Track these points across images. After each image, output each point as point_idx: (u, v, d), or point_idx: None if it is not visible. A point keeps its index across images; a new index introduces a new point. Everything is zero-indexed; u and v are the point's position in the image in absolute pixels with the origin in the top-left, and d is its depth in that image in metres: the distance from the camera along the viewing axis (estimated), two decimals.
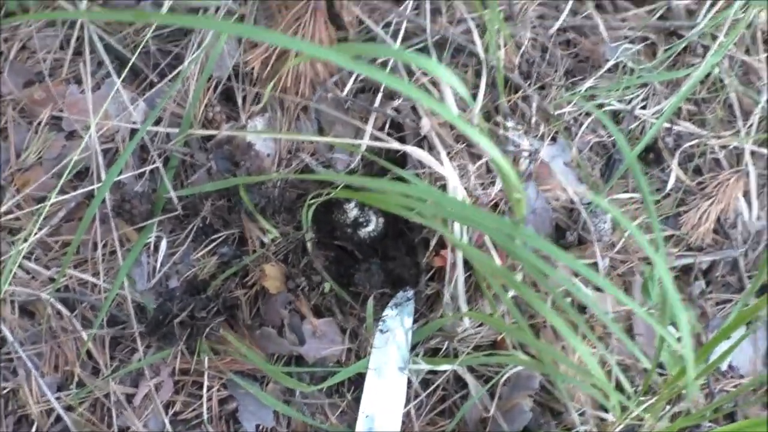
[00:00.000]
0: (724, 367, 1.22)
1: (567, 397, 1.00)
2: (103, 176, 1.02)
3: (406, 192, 0.90)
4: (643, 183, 0.89)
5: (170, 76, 1.08)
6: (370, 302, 1.00)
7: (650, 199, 0.94)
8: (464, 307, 1.00)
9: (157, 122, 1.05)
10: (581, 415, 1.04)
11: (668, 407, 1.09)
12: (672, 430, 1.00)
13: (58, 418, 0.95)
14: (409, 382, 1.03)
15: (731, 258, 1.24)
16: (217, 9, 1.11)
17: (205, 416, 0.97)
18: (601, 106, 1.23)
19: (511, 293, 0.99)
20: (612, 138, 1.24)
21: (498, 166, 0.77)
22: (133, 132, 1.05)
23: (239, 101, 1.08)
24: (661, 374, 1.12)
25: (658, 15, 1.29)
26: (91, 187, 1.01)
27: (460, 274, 0.99)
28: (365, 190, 0.96)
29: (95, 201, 0.95)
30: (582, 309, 1.13)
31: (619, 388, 0.98)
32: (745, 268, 1.25)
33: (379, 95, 1.09)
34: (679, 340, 1.06)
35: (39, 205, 1.01)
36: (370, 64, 0.82)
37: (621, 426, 1.02)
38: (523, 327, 0.94)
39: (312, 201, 0.99)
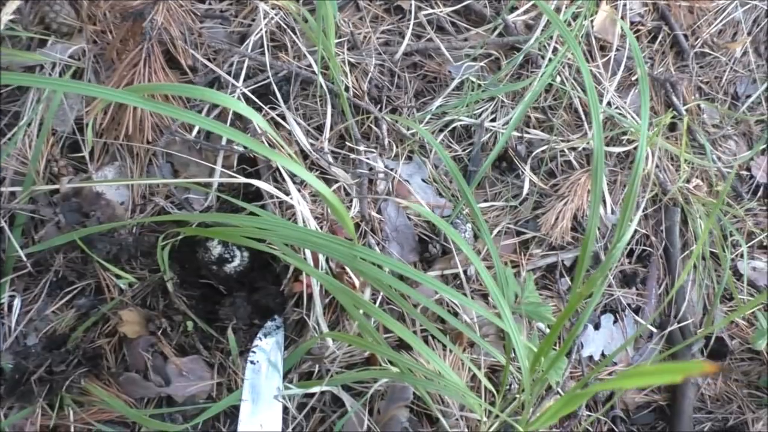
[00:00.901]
0: (597, 356, 1.36)
1: (431, 404, 1.11)
2: None
3: (254, 224, 1.02)
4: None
5: (9, 135, 1.16)
6: (230, 333, 1.09)
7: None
8: (325, 328, 1.10)
9: (0, 182, 1.12)
10: (455, 419, 1.15)
11: (542, 401, 1.23)
12: (547, 420, 1.12)
13: None
14: (286, 409, 1.12)
15: (592, 252, 1.41)
16: (54, 65, 1.20)
17: None
18: (451, 122, 1.38)
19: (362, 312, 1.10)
20: (466, 151, 1.39)
21: (321, 194, 0.88)
22: None
23: (85, 153, 1.17)
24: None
25: (497, 32, 1.47)
26: None
27: (316, 297, 1.10)
28: (219, 226, 1.07)
29: None
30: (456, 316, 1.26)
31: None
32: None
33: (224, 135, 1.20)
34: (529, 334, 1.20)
35: None
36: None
37: (494, 425, 1.14)
38: (380, 341, 1.06)
39: (165, 242, 1.08)
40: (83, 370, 1.04)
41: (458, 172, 1.11)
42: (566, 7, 1.50)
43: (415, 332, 1.21)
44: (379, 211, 1.26)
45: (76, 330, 1.07)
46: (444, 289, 1.02)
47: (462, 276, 1.26)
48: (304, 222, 1.12)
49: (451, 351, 1.21)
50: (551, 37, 1.48)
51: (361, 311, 1.07)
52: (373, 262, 1.00)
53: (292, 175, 1.16)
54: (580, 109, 1.48)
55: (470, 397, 1.03)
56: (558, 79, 1.48)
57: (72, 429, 1.04)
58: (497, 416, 1.13)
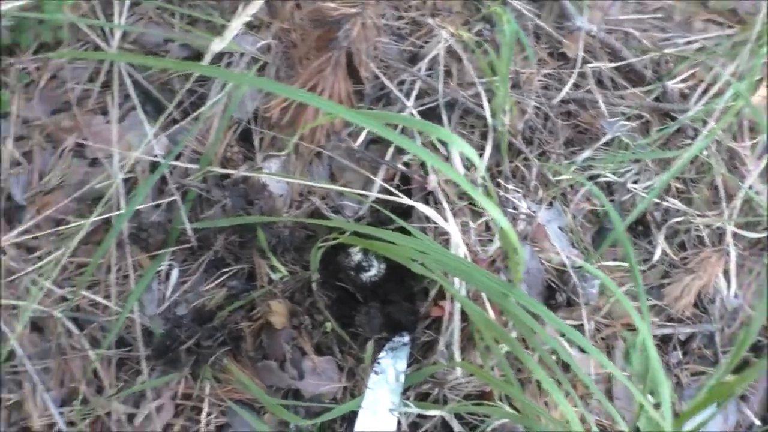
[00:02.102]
0: None
1: None
2: (122, 204, 1.19)
3: (412, 245, 1.10)
4: (631, 253, 1.10)
5: (193, 115, 1.27)
6: (371, 345, 1.18)
7: (637, 269, 1.14)
8: (458, 357, 1.18)
9: (177, 157, 1.23)
10: None
11: None
12: None
13: None
14: (399, 423, 1.20)
15: (708, 332, 1.46)
16: (242, 55, 1.31)
17: None
18: (596, 176, 1.45)
19: (503, 348, 1.18)
20: (605, 207, 1.45)
21: (501, 228, 0.97)
22: (153, 164, 1.23)
23: (256, 143, 1.27)
24: None
25: (653, 96, 1.53)
26: (109, 214, 1.18)
27: (456, 325, 1.18)
28: (372, 238, 1.16)
29: (115, 227, 1.12)
30: (565, 368, 1.33)
31: None
32: (720, 342, 1.46)
33: (391, 149, 1.30)
34: (657, 407, 1.27)
35: (57, 228, 1.18)
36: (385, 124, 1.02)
37: None
38: (512, 381, 1.13)
39: (322, 245, 1.17)
40: (226, 349, 1.15)
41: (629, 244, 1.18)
42: (724, 83, 1.56)
43: (530, 380, 1.28)
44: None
45: (223, 309, 1.17)
46: (574, 335, 1.09)
47: (586, 328, 1.32)
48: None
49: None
50: (706, 112, 1.54)
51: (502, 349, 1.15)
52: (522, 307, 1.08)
53: (449, 202, 1.25)
54: (721, 187, 1.53)
55: None
56: (704, 153, 1.53)
57: (206, 401, 1.14)
58: None
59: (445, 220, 1.20)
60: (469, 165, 1.36)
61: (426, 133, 1.32)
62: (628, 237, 1.47)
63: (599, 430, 1.31)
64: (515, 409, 1.25)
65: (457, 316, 1.18)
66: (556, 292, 1.35)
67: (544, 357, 1.13)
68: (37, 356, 1.13)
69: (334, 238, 1.18)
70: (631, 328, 1.42)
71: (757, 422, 1.45)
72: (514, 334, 1.19)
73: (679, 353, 1.45)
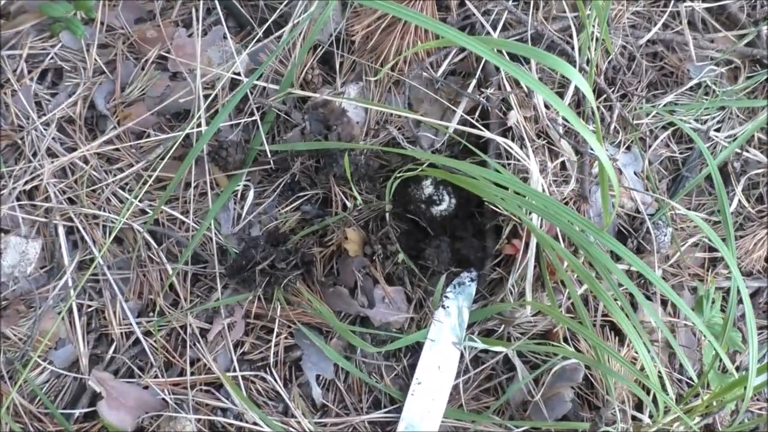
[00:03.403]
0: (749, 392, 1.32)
1: (611, 393, 1.10)
2: (203, 120, 1.10)
3: (493, 179, 1.00)
4: (724, 196, 0.99)
5: (276, 35, 1.16)
6: (442, 279, 1.10)
7: (729, 215, 1.03)
8: (529, 296, 1.10)
9: (258, 77, 1.13)
10: (621, 412, 1.14)
11: (698, 419, 1.20)
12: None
13: (136, 341, 1.06)
14: (462, 357, 1.13)
15: None
16: None
17: (271, 360, 1.08)
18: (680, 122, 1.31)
19: (578, 290, 1.09)
20: (683, 155, 1.32)
21: (599, 162, 0.86)
22: (234, 82, 1.14)
23: (337, 67, 1.17)
24: (689, 385, 1.22)
25: (746, 41, 1.36)
26: (190, 130, 1.09)
27: (530, 262, 1.08)
28: (450, 170, 1.06)
29: (197, 145, 1.04)
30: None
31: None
32: None
33: (473, 81, 1.18)
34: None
35: (138, 141, 1.11)
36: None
37: (654, 429, 1.13)
38: (585, 321, 1.04)
39: (399, 175, 1.08)
40: (298, 273, 1.08)
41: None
42: None
43: (594, 323, 1.19)
44: (588, 192, 1.23)
45: (296, 233, 1.10)
46: (656, 279, 0.99)
47: (657, 273, 1.22)
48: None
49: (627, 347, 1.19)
50: None
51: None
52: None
53: (530, 140, 1.14)
54: None
55: (660, 397, 1.02)
56: None
57: (276, 322, 1.08)
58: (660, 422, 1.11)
59: (527, 156, 1.09)
60: (549, 104, 1.24)
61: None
62: (705, 187, 1.34)
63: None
64: (578, 351, 1.17)
65: (532, 254, 1.08)
66: (627, 238, 1.25)
67: (620, 298, 1.04)
68: (116, 266, 1.08)
69: (411, 169, 1.08)
70: (700, 278, 1.31)
71: None
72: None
73: (744, 306, 1.33)
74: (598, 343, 1.03)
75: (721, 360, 1.07)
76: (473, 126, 1.12)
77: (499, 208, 1.11)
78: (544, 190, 1.11)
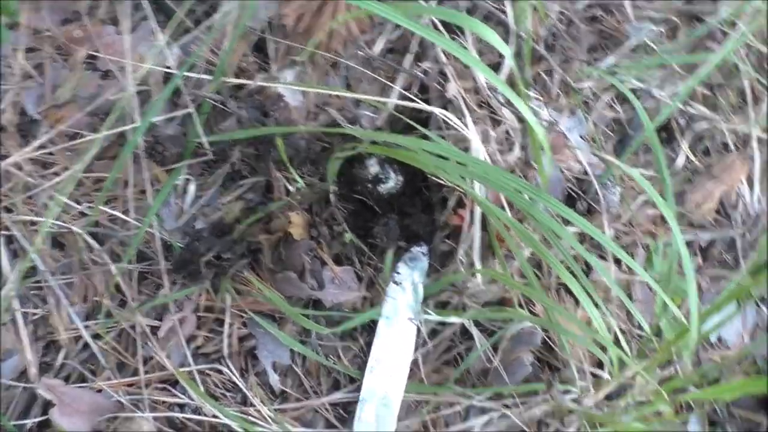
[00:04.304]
0: (713, 339, 1.28)
1: (567, 353, 1.05)
2: (137, 117, 1.04)
3: (432, 150, 0.95)
4: (660, 154, 0.94)
5: (206, 23, 1.10)
6: (390, 254, 1.04)
7: (666, 171, 0.98)
8: (478, 264, 1.04)
9: (190, 68, 1.07)
10: (579, 372, 1.09)
11: (658, 371, 1.15)
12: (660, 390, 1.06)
13: (86, 346, 1.00)
14: (418, 331, 1.08)
15: (729, 238, 1.30)
16: None
17: (225, 351, 1.02)
18: (620, 83, 1.26)
19: (526, 252, 1.04)
20: (628, 115, 1.27)
21: (528, 125, 0.81)
22: (167, 76, 1.07)
23: (271, 53, 1.11)
24: (650, 340, 1.18)
25: None
26: (124, 128, 1.03)
27: (477, 231, 1.03)
28: (391, 146, 1.00)
29: (131, 141, 0.98)
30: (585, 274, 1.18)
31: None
32: (741, 248, 1.30)
33: (409, 57, 1.12)
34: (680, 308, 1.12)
35: (72, 142, 1.04)
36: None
37: (614, 385, 1.08)
38: (533, 284, 0.99)
39: (340, 155, 1.02)
40: (246, 262, 1.02)
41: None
42: None
43: (550, 287, 1.14)
44: (534, 159, 1.17)
45: (241, 223, 1.04)
46: (602, 238, 0.94)
47: (608, 233, 1.17)
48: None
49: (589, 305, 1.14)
50: (737, 14, 1.32)
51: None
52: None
53: (469, 110, 1.08)
54: (748, 92, 1.33)
55: (613, 352, 0.97)
56: (733, 56, 1.32)
57: (228, 313, 1.03)
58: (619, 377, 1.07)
59: (466, 126, 1.04)
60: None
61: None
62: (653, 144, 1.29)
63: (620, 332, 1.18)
64: (534, 315, 1.12)
65: (477, 223, 1.03)
66: (577, 200, 1.20)
67: (568, 260, 0.99)
68: (59, 271, 1.02)
69: (352, 148, 1.03)
70: (653, 235, 1.27)
71: None
72: (536, 237, 1.04)
73: (700, 259, 1.29)
74: (547, 304, 0.99)
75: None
76: (413, 102, 1.07)
77: (443, 180, 1.06)
78: (487, 159, 1.06)
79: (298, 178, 1.03)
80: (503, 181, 0.91)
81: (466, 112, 1.07)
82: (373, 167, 1.11)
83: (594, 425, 1.08)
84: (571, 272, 0.95)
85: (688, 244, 1.29)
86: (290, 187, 1.05)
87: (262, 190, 1.07)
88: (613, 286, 1.03)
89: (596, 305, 1.19)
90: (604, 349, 1.04)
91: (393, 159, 1.11)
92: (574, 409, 1.06)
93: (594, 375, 1.12)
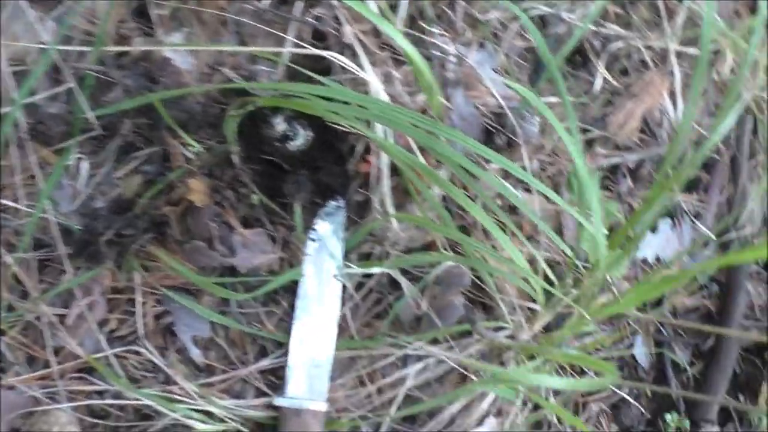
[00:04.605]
0: (651, 259, 1.26)
1: (495, 290, 1.02)
2: (17, 99, 0.97)
3: (327, 95, 0.90)
4: (560, 82, 0.90)
5: None
6: (297, 208, 1.00)
7: (568, 101, 0.94)
8: (391, 210, 1.00)
9: (68, 41, 1.00)
10: (512, 308, 1.06)
11: (598, 297, 1.13)
12: (597, 314, 1.03)
13: None
14: (344, 287, 1.04)
15: (658, 156, 1.27)
16: None
17: (141, 332, 0.98)
18: (527, 10, 1.21)
19: (439, 193, 1.00)
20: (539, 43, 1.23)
21: (411, 61, 0.77)
22: (45, 52, 1.01)
23: (154, 18, 1.04)
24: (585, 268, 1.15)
25: None
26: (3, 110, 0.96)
27: (384, 176, 0.99)
28: (289, 98, 0.95)
29: (4, 124, 0.92)
30: (513, 210, 1.15)
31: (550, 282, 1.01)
32: (670, 165, 1.27)
33: (299, 4, 1.06)
34: (611, 231, 1.09)
35: None
36: None
37: (548, 317, 1.05)
38: (449, 223, 0.96)
39: (233, 113, 0.97)
40: (150, 236, 0.97)
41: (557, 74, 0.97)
42: None
43: (475, 224, 1.10)
44: (446, 98, 1.13)
45: (143, 196, 0.99)
46: (516, 170, 0.91)
47: (528, 167, 1.13)
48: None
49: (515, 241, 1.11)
50: None
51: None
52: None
53: (366, 51, 1.03)
54: (662, 6, 1.30)
55: (536, 283, 0.94)
56: None
57: (138, 292, 0.98)
58: (559, 306, 1.04)
59: (362, 68, 0.99)
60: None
61: None
62: (567, 69, 1.25)
63: (550, 265, 1.15)
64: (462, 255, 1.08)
65: (384, 167, 0.99)
66: (495, 135, 1.15)
67: (483, 197, 0.96)
68: None
69: (245, 105, 0.97)
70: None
71: (713, 236, 1.28)
72: (443, 173, 1.00)
73: (629, 181, 1.26)
74: (465, 242, 0.95)
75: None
76: (306, 48, 1.02)
77: (346, 127, 1.01)
78: (387, 100, 1.01)
79: (194, 143, 0.98)
80: (399, 117, 0.86)
81: (362, 54, 1.01)
82: (279, 125, 1.06)
83: (532, 358, 1.05)
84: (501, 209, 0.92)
85: (616, 167, 1.26)
86: (188, 154, 0.99)
87: (159, 160, 1.01)
88: (533, 217, 0.99)
89: (530, 239, 1.16)
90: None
91: (300, 114, 1.06)
92: (509, 345, 1.03)
93: (531, 309, 1.09)
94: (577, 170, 0.95)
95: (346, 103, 0.90)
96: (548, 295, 1.03)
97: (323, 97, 0.89)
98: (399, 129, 0.91)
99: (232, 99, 1.05)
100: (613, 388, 1.19)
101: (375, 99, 0.95)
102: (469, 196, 0.98)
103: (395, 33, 0.80)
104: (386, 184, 0.99)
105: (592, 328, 1.02)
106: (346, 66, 0.98)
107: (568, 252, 1.01)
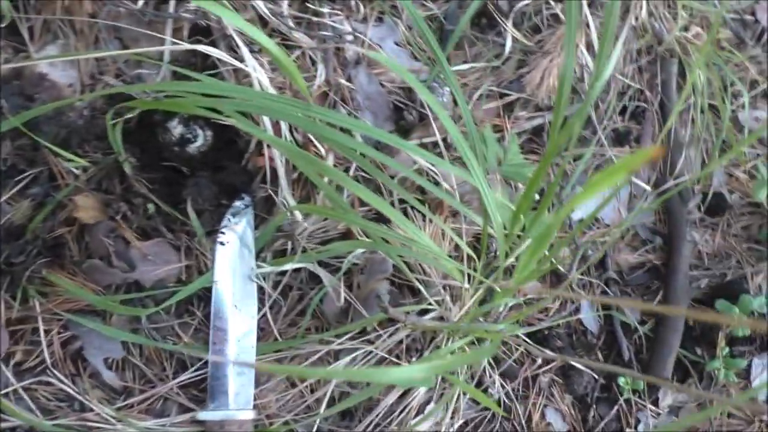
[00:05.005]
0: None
1: (411, 273, 0.98)
2: None
3: (205, 90, 0.86)
4: (436, 47, 0.86)
5: None
6: (190, 211, 0.95)
7: (445, 62, 0.89)
8: (291, 202, 0.96)
9: None
10: (437, 289, 1.02)
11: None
12: (525, 274, 0.98)
13: None
14: (262, 288, 1.00)
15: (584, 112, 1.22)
16: None
17: (49, 361, 0.93)
18: None
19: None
20: (442, 9, 1.18)
21: (269, 51, 0.72)
22: None
23: (25, 34, 0.99)
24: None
25: None
26: None
27: (280, 169, 0.94)
28: (171, 98, 0.91)
29: None
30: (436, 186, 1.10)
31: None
32: (597, 119, 1.23)
33: (174, 1, 1.02)
34: (541, 194, 1.04)
35: None
36: None
37: (478, 291, 1.01)
38: (345, 208, 0.91)
39: (116, 120, 0.92)
40: (44, 260, 0.93)
41: (429, 33, 0.92)
42: None
43: (392, 204, 1.06)
44: (349, 79, 1.08)
45: (34, 220, 0.94)
46: (421, 153, 0.87)
47: (441, 143, 1.09)
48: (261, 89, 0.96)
49: (431, 221, 1.07)
50: None
51: (327, 180, 0.92)
52: (342, 128, 0.85)
53: (248, 42, 0.98)
54: None
55: (448, 262, 0.90)
56: None
57: (39, 320, 0.93)
58: (481, 282, 0.99)
59: (242, 60, 0.94)
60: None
61: None
62: (474, 34, 1.20)
63: (475, 240, 1.11)
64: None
65: (277, 159, 0.94)
66: (405, 110, 1.11)
67: (391, 185, 0.91)
68: None
69: (131, 109, 0.93)
70: (499, 127, 1.19)
71: (648, 188, 1.24)
72: (330, 161, 0.96)
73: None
74: (370, 228, 0.90)
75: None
76: (193, 48, 0.97)
77: (233, 123, 0.96)
78: (270, 90, 0.96)
79: (77, 158, 0.93)
80: (276, 106, 0.82)
81: (242, 44, 0.97)
82: (176, 129, 1.01)
83: (463, 336, 1.01)
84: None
85: (540, 128, 1.21)
86: (75, 170, 0.95)
87: (46, 180, 0.97)
88: (443, 195, 0.95)
89: (453, 216, 1.12)
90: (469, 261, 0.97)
91: (197, 115, 1.02)
92: (434, 327, 0.99)
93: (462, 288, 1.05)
94: (475, 134, 0.90)
95: (228, 97, 0.85)
96: (476, 270, 0.99)
97: (206, 95, 0.84)
98: (280, 118, 0.86)
99: (120, 109, 1.00)
100: (565, 357, 1.15)
101: (255, 91, 0.91)
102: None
103: (255, 31, 0.75)
104: (283, 176, 0.94)
105: (515, 300, 0.97)
106: (224, 59, 0.94)
107: (476, 219, 0.97)
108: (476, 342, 1.07)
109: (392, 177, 1.03)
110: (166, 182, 1.02)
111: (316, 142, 0.97)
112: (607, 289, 1.20)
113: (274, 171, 0.98)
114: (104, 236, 0.93)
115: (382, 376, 0.52)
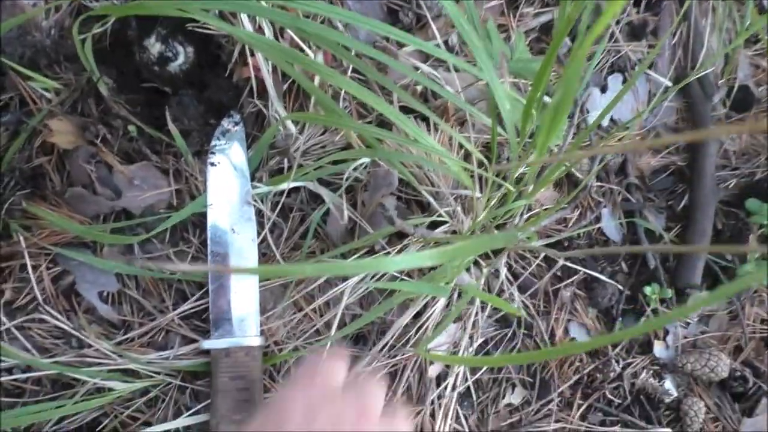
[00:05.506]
0: (605, 122, 1.13)
1: (414, 180, 0.91)
2: None
3: None
4: None
5: None
6: (173, 130, 0.88)
7: None
8: (282, 111, 0.88)
9: None
10: (447, 200, 0.95)
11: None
12: (543, 185, 0.91)
13: None
14: (260, 211, 0.93)
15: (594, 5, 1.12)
16: None
17: (40, 298, 0.88)
18: None
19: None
20: None
21: None
22: None
23: None
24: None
25: None
26: None
27: (266, 77, 0.87)
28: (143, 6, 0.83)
29: None
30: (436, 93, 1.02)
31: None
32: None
33: None
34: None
35: None
36: None
37: (491, 201, 0.94)
38: (343, 114, 0.84)
39: (83, 36, 0.84)
40: (24, 192, 0.87)
41: None
42: None
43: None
44: None
45: (9, 150, 0.88)
46: (427, 47, 0.78)
47: (442, 46, 1.00)
48: None
49: (437, 129, 0.99)
50: None
51: (319, 84, 0.84)
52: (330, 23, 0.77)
53: None
54: None
55: (454, 164, 0.82)
56: None
57: (26, 255, 0.88)
58: (495, 187, 0.92)
59: None
60: None
61: None
62: None
63: (485, 149, 1.03)
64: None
65: (263, 65, 0.86)
66: (400, 12, 1.02)
67: (393, 88, 0.83)
68: None
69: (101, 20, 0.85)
70: (504, 27, 1.10)
71: (669, 83, 1.15)
72: (320, 59, 0.88)
73: (567, 40, 1.12)
74: (367, 132, 0.83)
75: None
76: None
77: (213, 29, 0.88)
78: None
79: (43, 79, 0.86)
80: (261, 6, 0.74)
81: None
82: (154, 47, 0.94)
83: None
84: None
85: (548, 25, 1.12)
86: (47, 94, 0.88)
87: (18, 107, 0.90)
88: (449, 96, 0.87)
89: (463, 124, 1.04)
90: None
91: (176, 30, 0.94)
92: (446, 239, 0.93)
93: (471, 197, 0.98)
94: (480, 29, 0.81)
95: None
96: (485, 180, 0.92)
97: None
98: (259, 14, 0.78)
99: (87, 23, 0.92)
100: (585, 270, 1.08)
101: None
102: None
103: None
104: (271, 85, 0.87)
105: (528, 201, 0.90)
106: None
107: (483, 119, 0.89)
108: (492, 255, 1.01)
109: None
110: (148, 104, 0.95)
111: (305, 47, 0.88)
112: (629, 195, 1.13)
113: (262, 82, 0.90)
114: (84, 162, 0.87)
115: (388, 265, 0.46)
